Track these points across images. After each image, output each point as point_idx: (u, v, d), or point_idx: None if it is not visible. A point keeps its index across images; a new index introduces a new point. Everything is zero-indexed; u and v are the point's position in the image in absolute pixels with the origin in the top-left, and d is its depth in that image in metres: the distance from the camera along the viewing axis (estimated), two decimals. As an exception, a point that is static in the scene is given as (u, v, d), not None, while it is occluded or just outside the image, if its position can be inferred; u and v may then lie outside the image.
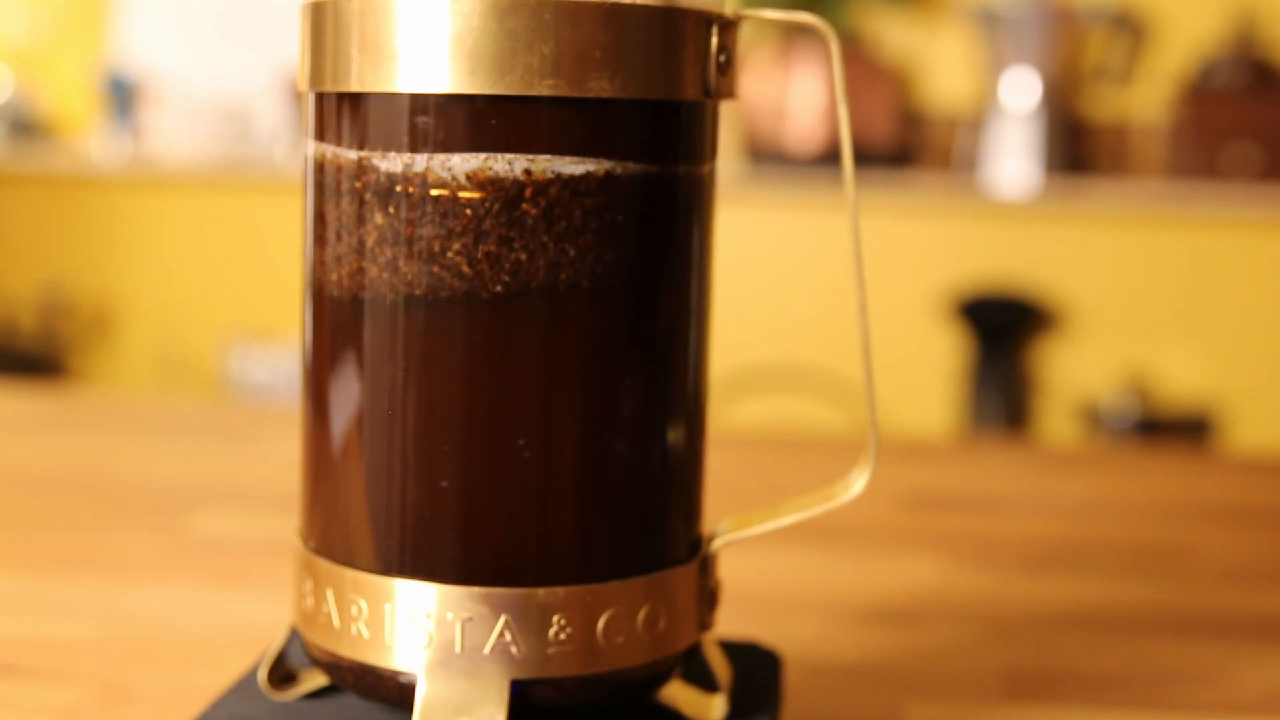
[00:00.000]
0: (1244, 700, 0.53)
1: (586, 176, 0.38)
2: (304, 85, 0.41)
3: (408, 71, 0.37)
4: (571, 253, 0.38)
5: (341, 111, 0.39)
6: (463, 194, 0.37)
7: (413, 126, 0.38)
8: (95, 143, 2.72)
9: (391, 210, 0.38)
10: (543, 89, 0.37)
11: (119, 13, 2.76)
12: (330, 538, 0.40)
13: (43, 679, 0.52)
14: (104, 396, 1.55)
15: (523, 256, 0.37)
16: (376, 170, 0.38)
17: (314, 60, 0.40)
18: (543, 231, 0.37)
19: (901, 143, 2.48)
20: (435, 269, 0.38)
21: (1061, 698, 0.53)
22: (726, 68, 0.40)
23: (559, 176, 0.37)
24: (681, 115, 0.39)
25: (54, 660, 0.53)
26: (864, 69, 2.43)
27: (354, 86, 0.38)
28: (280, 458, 0.87)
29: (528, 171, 0.37)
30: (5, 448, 0.89)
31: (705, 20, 0.39)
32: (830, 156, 2.42)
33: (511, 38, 0.37)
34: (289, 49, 2.61)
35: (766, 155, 2.45)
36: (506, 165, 0.37)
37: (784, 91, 2.43)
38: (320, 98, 0.40)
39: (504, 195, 0.37)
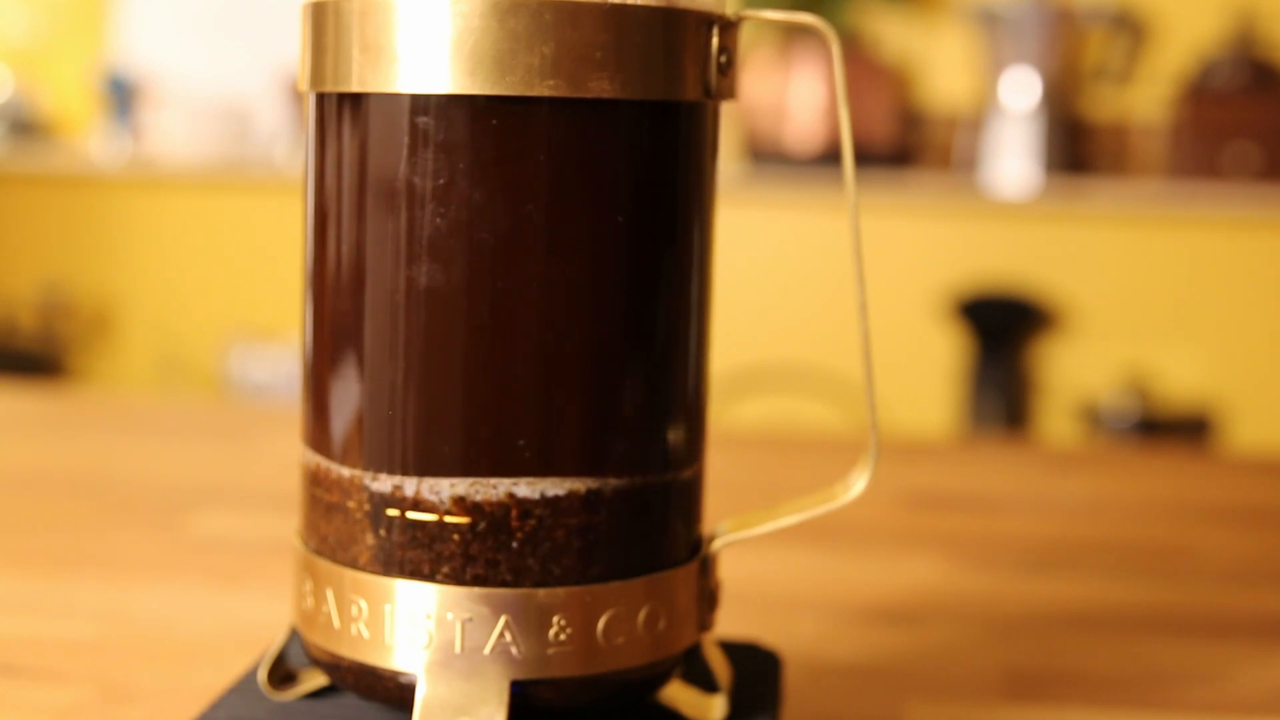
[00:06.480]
0: (1244, 700, 0.53)
1: (569, 495, 0.38)
2: (304, 85, 0.41)
3: (408, 72, 0.37)
4: (556, 571, 0.38)
5: (342, 118, 0.39)
6: (449, 518, 0.38)
7: (413, 127, 0.38)
8: (95, 143, 2.72)
9: (382, 533, 0.38)
10: (543, 89, 0.37)
11: (119, 13, 2.76)
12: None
13: (43, 679, 0.52)
14: (104, 396, 1.55)
15: (509, 578, 0.38)
16: (367, 490, 0.39)
17: (314, 60, 0.40)
18: (529, 554, 0.38)
19: (901, 143, 2.48)
20: None
21: (1061, 698, 0.53)
22: (727, 68, 0.40)
23: (543, 497, 0.38)
24: (682, 117, 0.39)
25: (54, 660, 0.53)
26: (864, 69, 2.43)
27: (354, 87, 0.38)
28: (280, 458, 0.87)
29: (511, 494, 0.38)
30: (5, 448, 0.89)
31: (706, 21, 0.39)
32: (830, 156, 2.42)
33: (512, 38, 0.37)
34: (289, 49, 2.60)
35: (766, 155, 2.45)
36: (491, 489, 0.38)
37: (784, 91, 2.43)
38: (321, 99, 0.40)
39: (490, 518, 0.38)
